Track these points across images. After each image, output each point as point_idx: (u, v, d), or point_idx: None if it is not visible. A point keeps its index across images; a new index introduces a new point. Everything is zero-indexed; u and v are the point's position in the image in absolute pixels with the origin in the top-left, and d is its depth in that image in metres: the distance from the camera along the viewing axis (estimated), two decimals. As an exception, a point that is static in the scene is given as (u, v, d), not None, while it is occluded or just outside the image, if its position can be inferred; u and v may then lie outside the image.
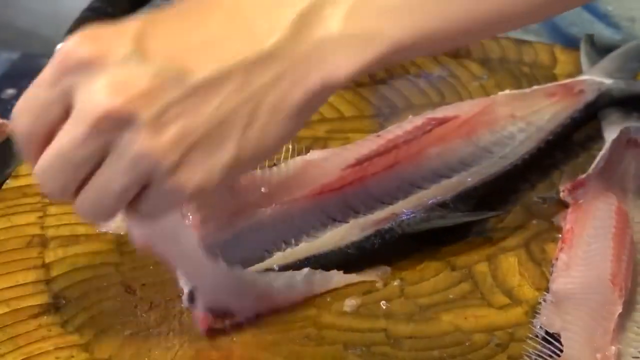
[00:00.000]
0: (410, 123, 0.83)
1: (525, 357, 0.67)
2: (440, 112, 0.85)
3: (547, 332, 0.68)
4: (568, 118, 0.88)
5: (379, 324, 0.70)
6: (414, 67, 0.96)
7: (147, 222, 0.63)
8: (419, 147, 0.81)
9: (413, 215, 0.76)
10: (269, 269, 0.72)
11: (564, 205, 0.80)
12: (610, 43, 0.98)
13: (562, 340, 0.67)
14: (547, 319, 0.69)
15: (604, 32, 1.01)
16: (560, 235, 0.76)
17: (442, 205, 0.78)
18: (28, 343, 0.68)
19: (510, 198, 0.82)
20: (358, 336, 0.69)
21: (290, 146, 0.78)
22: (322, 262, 0.73)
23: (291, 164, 0.77)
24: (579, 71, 0.95)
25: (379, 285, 0.73)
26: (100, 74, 0.58)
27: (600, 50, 0.97)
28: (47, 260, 0.74)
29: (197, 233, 0.71)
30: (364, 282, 0.73)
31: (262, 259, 0.73)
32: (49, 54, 0.99)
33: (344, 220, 0.76)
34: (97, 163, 0.60)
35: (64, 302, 0.71)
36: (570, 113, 0.88)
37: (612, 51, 0.96)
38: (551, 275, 0.73)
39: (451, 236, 0.77)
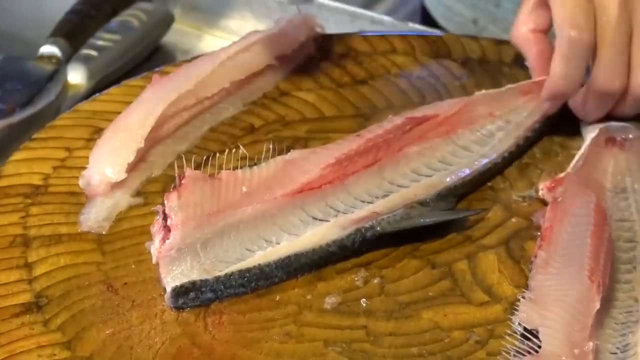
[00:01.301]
0: (391, 122, 0.84)
1: (504, 354, 0.68)
2: (420, 112, 0.85)
3: (525, 329, 0.68)
4: (544, 115, 0.88)
5: (359, 321, 0.71)
6: (395, 68, 0.97)
7: None
8: (399, 146, 0.82)
9: (393, 213, 0.77)
10: (250, 268, 0.73)
11: (543, 203, 0.81)
12: None
13: (540, 336, 0.67)
14: (526, 316, 0.69)
15: None
16: (539, 233, 0.77)
17: (422, 203, 0.79)
18: (10, 341, 0.68)
19: (490, 196, 0.83)
20: (338, 333, 0.70)
21: (271, 146, 0.78)
22: (303, 260, 0.74)
23: (272, 164, 0.77)
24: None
25: (359, 283, 0.74)
26: None
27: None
28: (29, 260, 0.74)
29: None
30: (344, 279, 0.74)
31: (243, 258, 0.73)
32: (32, 56, 1.00)
33: (324, 218, 0.76)
34: None
35: (46, 300, 0.71)
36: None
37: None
38: (530, 272, 0.73)
39: (431, 234, 0.78)
